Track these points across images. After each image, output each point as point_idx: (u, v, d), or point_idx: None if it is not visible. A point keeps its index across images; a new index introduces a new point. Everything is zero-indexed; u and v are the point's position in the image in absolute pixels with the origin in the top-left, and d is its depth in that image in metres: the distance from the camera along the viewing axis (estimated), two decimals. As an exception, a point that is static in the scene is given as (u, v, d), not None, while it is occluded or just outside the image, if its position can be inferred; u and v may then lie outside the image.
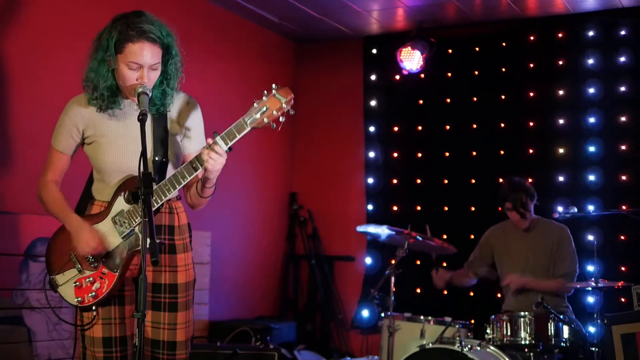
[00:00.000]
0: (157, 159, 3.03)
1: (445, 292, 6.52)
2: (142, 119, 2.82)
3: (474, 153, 6.74)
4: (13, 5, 4.74)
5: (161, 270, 3.08)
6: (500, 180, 6.30)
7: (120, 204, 3.01)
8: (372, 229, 5.50)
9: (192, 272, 3.18)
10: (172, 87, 3.10)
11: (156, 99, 3.07)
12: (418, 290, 6.74)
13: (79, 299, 3.01)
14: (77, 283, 3.03)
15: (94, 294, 3.00)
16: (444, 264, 6.39)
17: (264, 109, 2.88)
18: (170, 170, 3.08)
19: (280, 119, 2.91)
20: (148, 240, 2.62)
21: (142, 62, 2.95)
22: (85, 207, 3.14)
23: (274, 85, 2.91)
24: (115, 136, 3.06)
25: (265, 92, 2.90)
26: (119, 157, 3.04)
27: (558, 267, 5.17)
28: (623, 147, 6.18)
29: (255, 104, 2.90)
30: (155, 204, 2.96)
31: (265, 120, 2.88)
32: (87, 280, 3.02)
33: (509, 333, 4.68)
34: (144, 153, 2.73)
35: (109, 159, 3.05)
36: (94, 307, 3.01)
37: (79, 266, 3.03)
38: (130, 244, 2.99)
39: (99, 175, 3.13)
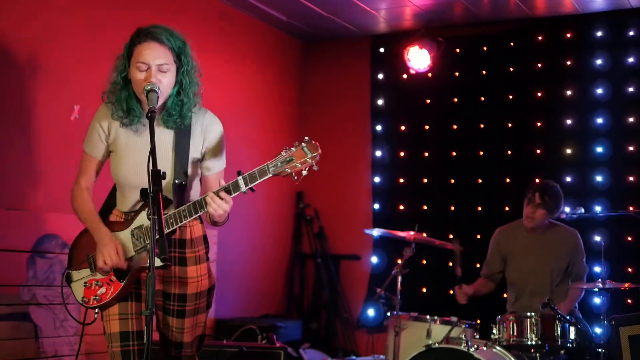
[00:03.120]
0: (177, 182, 3.06)
1: (451, 292, 6.52)
2: (150, 116, 2.86)
3: (481, 153, 6.72)
4: (36, 14, 4.75)
5: (171, 281, 3.13)
6: (507, 180, 6.33)
7: (142, 219, 3.06)
8: (378, 232, 5.50)
9: (205, 282, 3.21)
10: (190, 98, 3.10)
11: (173, 109, 3.08)
12: (424, 290, 6.74)
13: (85, 299, 3.11)
14: (87, 283, 3.12)
15: (97, 298, 3.08)
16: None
17: (289, 160, 2.90)
18: (187, 192, 3.13)
19: (303, 172, 2.93)
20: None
21: (148, 60, 2.98)
22: (107, 212, 3.22)
23: (306, 138, 2.92)
24: (132, 150, 3.10)
25: (296, 142, 2.91)
26: (133, 172, 3.08)
27: (575, 271, 5.19)
28: (631, 148, 6.17)
29: (283, 152, 2.91)
30: (171, 226, 3.01)
31: (288, 170, 2.91)
32: (96, 283, 3.10)
33: (515, 333, 4.67)
34: (152, 150, 2.75)
35: (123, 172, 3.10)
36: (96, 311, 3.11)
37: (93, 268, 3.12)
38: (140, 260, 3.06)
39: (117, 186, 3.20)
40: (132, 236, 3.07)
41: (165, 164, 3.03)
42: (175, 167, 3.07)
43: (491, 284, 5.47)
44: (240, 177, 2.94)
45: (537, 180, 5.81)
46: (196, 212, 2.98)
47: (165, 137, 3.07)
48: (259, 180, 2.93)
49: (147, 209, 3.04)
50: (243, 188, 2.93)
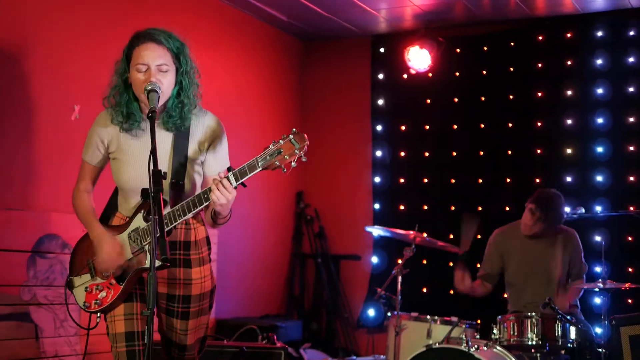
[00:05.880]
0: (173, 180, 3.08)
1: (452, 292, 6.52)
2: (151, 116, 2.87)
3: (482, 153, 6.72)
4: (36, 13, 4.75)
5: (176, 283, 3.15)
6: (508, 180, 6.33)
7: (138, 221, 3.09)
8: (379, 231, 5.49)
9: (208, 282, 3.23)
10: (190, 99, 3.12)
11: (173, 110, 3.09)
12: (425, 290, 6.74)
13: (87, 304, 3.15)
14: (88, 288, 3.16)
15: (99, 302, 3.12)
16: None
17: (277, 153, 2.91)
18: (186, 193, 3.13)
19: (292, 164, 2.94)
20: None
21: (147, 61, 3.01)
22: (109, 217, 3.26)
23: (293, 130, 2.94)
24: (134, 155, 3.12)
25: (284, 135, 2.92)
26: (136, 176, 3.10)
27: (575, 270, 5.21)
28: (631, 148, 6.17)
29: (271, 145, 2.93)
30: (166, 227, 3.01)
31: (277, 163, 2.92)
32: (97, 287, 3.14)
33: (515, 333, 4.67)
34: (153, 150, 2.76)
35: (126, 177, 3.12)
36: (98, 314, 3.14)
37: (93, 273, 3.16)
38: (138, 262, 3.08)
39: (120, 191, 3.22)
40: (129, 239, 3.09)
41: (163, 166, 3.05)
42: (173, 166, 3.09)
43: (488, 286, 5.44)
44: (230, 172, 2.96)
45: (537, 181, 5.79)
46: (201, 203, 2.98)
47: (164, 139, 3.09)
48: (249, 175, 2.95)
49: (142, 211, 3.08)
50: (234, 183, 2.95)
